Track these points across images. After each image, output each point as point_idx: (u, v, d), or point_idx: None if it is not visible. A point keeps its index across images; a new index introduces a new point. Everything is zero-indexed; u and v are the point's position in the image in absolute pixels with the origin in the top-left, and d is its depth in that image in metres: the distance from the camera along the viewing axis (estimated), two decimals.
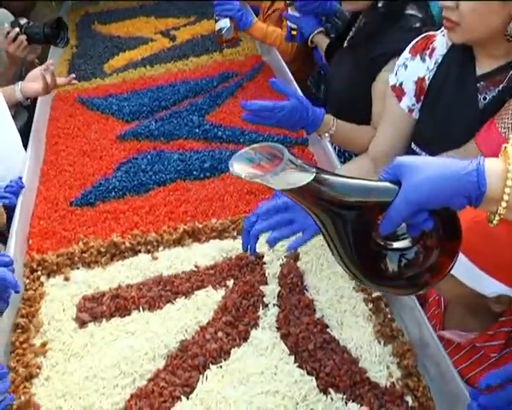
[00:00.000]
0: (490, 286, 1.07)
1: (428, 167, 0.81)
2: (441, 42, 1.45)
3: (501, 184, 0.79)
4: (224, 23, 2.31)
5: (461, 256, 1.07)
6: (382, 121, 1.62)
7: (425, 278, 0.87)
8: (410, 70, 1.51)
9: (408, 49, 1.52)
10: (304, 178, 0.78)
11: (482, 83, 1.35)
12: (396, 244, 0.87)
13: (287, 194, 0.81)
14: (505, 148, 0.81)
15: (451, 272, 1.11)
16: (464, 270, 1.08)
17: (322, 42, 2.20)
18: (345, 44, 1.92)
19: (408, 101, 1.52)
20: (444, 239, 0.86)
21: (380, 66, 1.69)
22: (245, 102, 1.59)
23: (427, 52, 1.47)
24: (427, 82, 1.47)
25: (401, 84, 1.52)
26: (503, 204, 0.79)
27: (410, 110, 1.52)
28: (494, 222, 0.82)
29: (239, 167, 0.80)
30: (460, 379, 1.08)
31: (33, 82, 2.09)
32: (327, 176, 0.81)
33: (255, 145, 0.83)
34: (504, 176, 0.79)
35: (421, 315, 1.21)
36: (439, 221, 0.84)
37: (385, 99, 1.61)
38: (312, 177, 0.79)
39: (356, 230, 0.83)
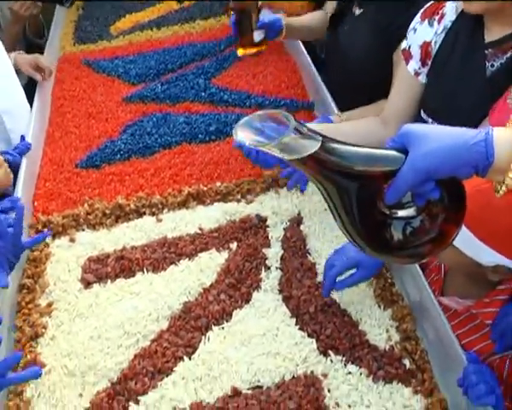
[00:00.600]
0: (486, 255, 1.06)
1: (437, 136, 0.79)
2: (451, 8, 1.43)
3: (509, 155, 0.78)
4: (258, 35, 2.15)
5: None
6: (393, 86, 1.61)
7: (429, 247, 0.86)
8: (417, 34, 1.49)
9: (419, 13, 1.50)
10: (309, 146, 0.76)
11: (490, 50, 1.33)
12: (401, 213, 0.85)
13: (291, 162, 0.79)
14: None
15: None
16: (462, 238, 1.08)
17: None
18: (356, 11, 1.85)
19: (414, 64, 1.51)
20: (449, 208, 0.85)
21: (402, 35, 1.64)
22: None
23: (436, 17, 1.45)
24: (434, 47, 1.46)
25: (409, 47, 1.51)
26: (511, 174, 0.79)
27: (417, 73, 1.51)
28: (501, 192, 0.81)
29: (243, 135, 0.78)
30: (458, 343, 1.10)
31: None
32: (333, 144, 0.79)
33: (260, 112, 0.81)
34: None
35: (422, 280, 1.22)
36: (445, 190, 0.83)
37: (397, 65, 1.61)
38: (318, 145, 0.77)
39: (361, 199, 0.81)
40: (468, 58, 1.37)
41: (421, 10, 1.50)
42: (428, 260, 1.39)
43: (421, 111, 1.51)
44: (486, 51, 1.33)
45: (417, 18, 1.50)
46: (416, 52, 1.49)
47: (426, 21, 1.47)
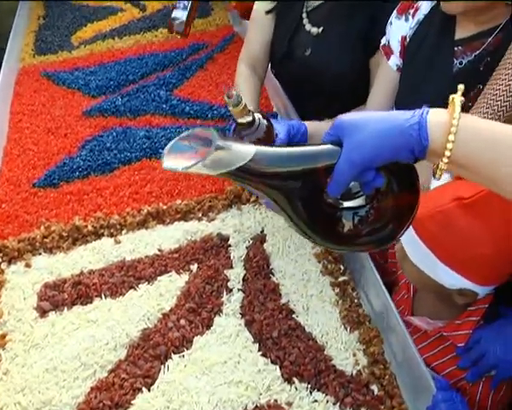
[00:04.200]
0: (449, 278, 1.03)
1: (369, 124, 0.77)
2: (426, 1, 1.39)
3: (443, 138, 0.74)
4: (181, 15, 2.17)
5: (421, 245, 1.03)
6: (374, 85, 1.57)
7: (384, 233, 0.85)
8: (394, 29, 1.46)
9: (396, 7, 1.47)
10: (239, 159, 0.75)
11: (460, 47, 1.29)
12: (348, 203, 0.85)
13: (226, 177, 0.78)
14: (453, 99, 0.76)
15: (413, 260, 1.07)
16: (425, 259, 1.04)
17: None
18: (311, 30, 1.74)
19: (396, 59, 1.47)
20: (400, 193, 0.82)
21: (376, 40, 1.57)
22: None
23: (411, 11, 1.42)
24: (407, 41, 1.42)
25: (388, 42, 1.48)
26: (445, 159, 0.75)
27: (399, 69, 1.47)
28: (437, 176, 0.78)
29: (171, 162, 0.76)
30: (425, 368, 1.05)
31: None
32: (266, 152, 0.79)
33: (187, 133, 0.81)
34: (447, 129, 0.74)
35: (388, 301, 1.17)
36: (392, 176, 0.81)
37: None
38: (249, 158, 0.76)
39: (306, 197, 0.81)
40: (436, 53, 1.34)
41: (398, 5, 1.46)
42: (398, 276, 1.34)
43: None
44: (456, 48, 1.29)
45: (395, 12, 1.47)
46: (395, 47, 1.47)
47: (403, 16, 1.44)
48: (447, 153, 0.74)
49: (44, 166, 1.76)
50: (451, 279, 1.02)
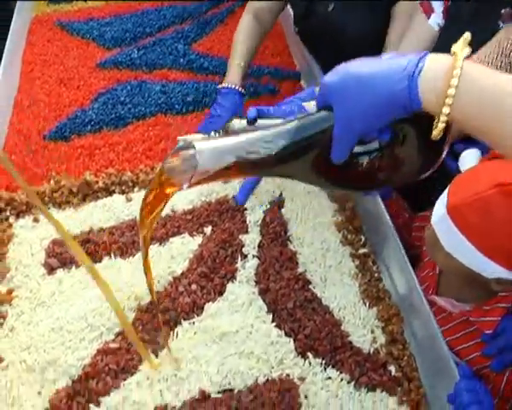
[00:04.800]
0: (489, 268, 0.96)
1: (358, 90, 0.70)
2: None
3: (439, 102, 0.66)
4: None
5: (458, 234, 0.97)
6: (407, 38, 1.48)
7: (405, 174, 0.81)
8: None
9: None
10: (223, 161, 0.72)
11: (507, 9, 1.21)
12: (359, 148, 0.78)
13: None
14: (454, 53, 0.67)
15: (448, 249, 1.01)
16: (462, 248, 0.97)
17: None
18: None
19: (437, 18, 1.39)
20: (418, 139, 0.76)
21: None
22: None
23: None
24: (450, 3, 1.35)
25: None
26: (440, 125, 0.67)
27: (440, 28, 1.39)
28: (434, 135, 0.69)
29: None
30: (448, 351, 1.00)
31: None
32: (252, 140, 0.74)
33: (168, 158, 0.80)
34: (442, 98, 0.65)
35: (412, 277, 1.11)
36: (407, 124, 0.74)
37: (411, 17, 1.48)
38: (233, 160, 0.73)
39: (318, 165, 0.77)
40: (481, 13, 1.25)
41: None
42: (423, 253, 1.28)
43: None
44: (502, 11, 1.21)
45: None
46: (438, 6, 1.37)
47: None
48: (443, 117, 0.66)
49: (56, 118, 1.70)
50: (491, 269, 0.96)
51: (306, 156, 0.75)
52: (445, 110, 0.66)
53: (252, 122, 0.85)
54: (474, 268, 0.99)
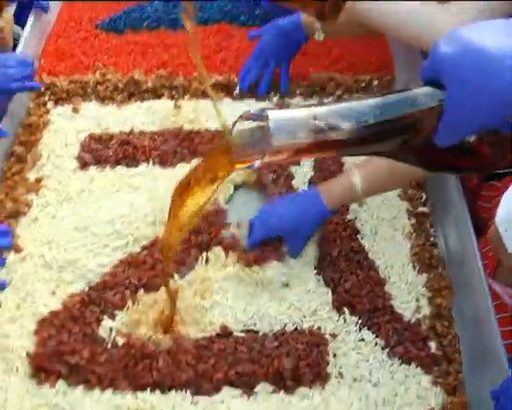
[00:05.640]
0: None
1: (484, 72, 0.54)
2: None
3: None
4: None
5: None
6: None
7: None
8: None
9: None
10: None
11: None
12: None
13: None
14: None
15: None
16: None
17: None
18: None
19: None
20: None
21: None
22: None
23: None
24: None
25: None
26: None
27: None
28: None
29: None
30: (500, 341, 0.89)
31: None
32: (340, 110, 0.60)
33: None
34: None
35: (474, 248, 0.99)
36: None
37: None
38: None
39: (414, 145, 0.63)
40: None
41: None
42: (489, 224, 1.15)
43: None
44: None
45: None
46: None
47: None
48: None
49: (111, 8, 1.60)
50: None
51: (403, 135, 0.63)
52: None
53: None
54: None
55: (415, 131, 0.61)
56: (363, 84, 1.34)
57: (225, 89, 1.35)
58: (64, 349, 0.95)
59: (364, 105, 0.59)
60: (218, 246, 1.07)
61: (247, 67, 1.34)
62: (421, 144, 0.62)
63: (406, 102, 0.60)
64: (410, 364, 0.94)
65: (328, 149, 0.61)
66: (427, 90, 0.59)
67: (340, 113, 0.59)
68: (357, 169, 1.01)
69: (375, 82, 1.34)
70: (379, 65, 1.39)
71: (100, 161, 1.22)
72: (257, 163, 0.60)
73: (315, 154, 0.67)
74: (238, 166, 0.64)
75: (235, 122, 0.62)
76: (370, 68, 1.38)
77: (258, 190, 1.19)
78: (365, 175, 1.00)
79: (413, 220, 1.10)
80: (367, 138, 0.60)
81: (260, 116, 0.58)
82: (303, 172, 1.19)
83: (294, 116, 0.58)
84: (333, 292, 1.01)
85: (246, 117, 0.61)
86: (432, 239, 1.08)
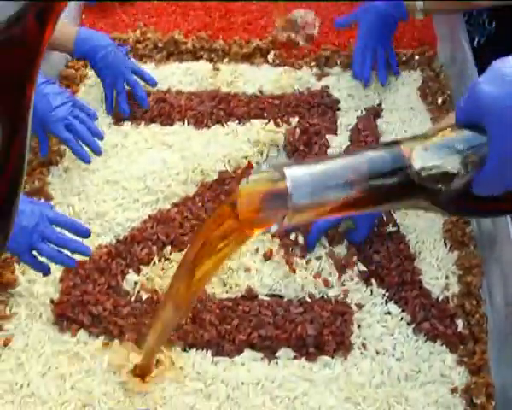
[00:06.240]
0: None
1: None
2: None
3: None
4: None
5: None
6: None
7: None
8: None
9: None
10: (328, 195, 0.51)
11: None
12: None
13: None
14: None
15: None
16: None
17: None
18: None
19: None
20: None
21: None
22: None
23: None
24: None
25: None
26: None
27: None
28: None
29: None
30: None
31: None
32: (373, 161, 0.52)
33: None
34: None
35: (508, 230, 0.95)
36: None
37: None
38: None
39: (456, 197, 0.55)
40: None
41: None
42: None
43: None
44: None
45: None
46: None
47: None
48: None
49: None
50: None
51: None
52: None
53: None
54: None
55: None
56: (404, 59, 1.31)
57: (265, 55, 1.33)
58: (88, 299, 0.96)
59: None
60: None
61: (359, 62, 1.25)
62: (457, 194, 0.55)
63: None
64: (435, 341, 0.92)
65: (354, 208, 0.55)
66: (466, 134, 0.53)
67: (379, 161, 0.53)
68: None
69: (417, 57, 1.31)
70: (421, 41, 1.35)
71: (135, 118, 1.22)
72: (274, 228, 0.53)
73: (342, 213, 0.59)
74: (255, 231, 0.56)
75: (246, 179, 0.54)
76: (412, 44, 1.35)
77: (288, 152, 1.18)
78: None
79: None
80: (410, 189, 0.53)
81: (277, 172, 0.51)
82: (339, 141, 1.18)
83: (314, 172, 0.51)
84: (361, 263, 0.99)
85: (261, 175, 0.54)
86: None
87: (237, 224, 0.56)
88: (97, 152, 1.10)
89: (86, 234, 0.95)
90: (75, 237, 0.94)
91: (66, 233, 0.93)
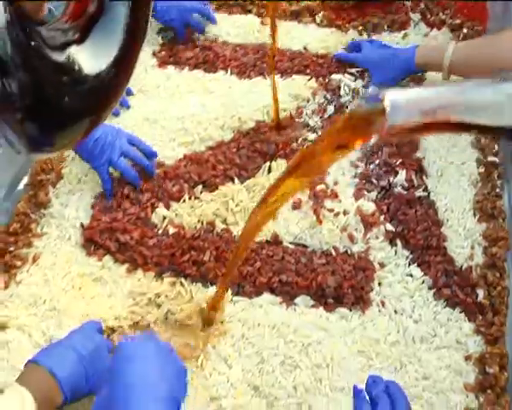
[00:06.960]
0: None
1: None
2: None
3: None
4: None
5: None
6: None
7: None
8: None
9: None
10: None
11: None
12: None
13: None
14: None
15: None
16: None
17: None
18: None
19: None
20: None
21: None
22: None
23: None
24: None
25: None
26: None
27: None
28: None
29: None
30: None
31: None
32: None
33: None
34: None
35: None
36: None
37: None
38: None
39: None
40: None
41: None
42: None
43: None
44: None
45: None
46: None
47: None
48: None
49: None
50: None
51: None
52: None
53: None
54: None
55: None
56: (451, 27, 1.29)
57: (312, 14, 1.32)
58: (116, 226, 0.98)
59: None
60: (283, 159, 1.06)
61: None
62: None
63: None
64: (454, 308, 0.91)
65: (447, 129, 0.57)
66: None
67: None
68: (454, 42, 1.09)
69: (465, 29, 1.29)
70: (473, 13, 1.33)
71: (179, 63, 1.23)
72: (374, 139, 0.53)
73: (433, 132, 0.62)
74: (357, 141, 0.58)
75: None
76: (464, 14, 1.33)
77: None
78: (459, 47, 1.06)
79: (481, 169, 1.06)
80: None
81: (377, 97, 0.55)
82: None
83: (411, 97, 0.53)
84: (388, 222, 0.99)
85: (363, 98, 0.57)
86: (497, 190, 1.03)
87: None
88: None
89: (154, 155, 1.06)
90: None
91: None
